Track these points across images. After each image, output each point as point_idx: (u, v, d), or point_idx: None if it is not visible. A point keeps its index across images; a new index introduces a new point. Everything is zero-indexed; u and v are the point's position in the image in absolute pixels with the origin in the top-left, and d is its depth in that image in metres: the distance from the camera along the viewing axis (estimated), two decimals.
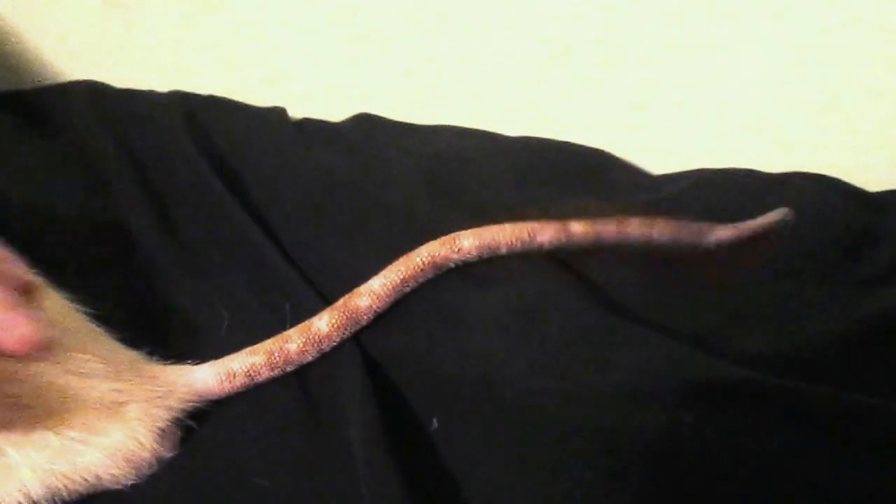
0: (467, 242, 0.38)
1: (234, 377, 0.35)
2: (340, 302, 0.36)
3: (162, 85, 0.59)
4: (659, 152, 0.53)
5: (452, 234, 0.38)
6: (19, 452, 0.31)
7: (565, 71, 0.52)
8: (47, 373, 0.32)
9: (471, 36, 0.52)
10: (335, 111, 0.56)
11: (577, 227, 0.38)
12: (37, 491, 0.31)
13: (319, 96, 0.57)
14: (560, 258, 0.39)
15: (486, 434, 0.33)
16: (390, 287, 0.37)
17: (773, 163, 0.49)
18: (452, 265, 0.38)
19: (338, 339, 0.36)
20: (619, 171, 0.50)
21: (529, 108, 0.54)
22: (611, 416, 0.32)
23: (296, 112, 0.56)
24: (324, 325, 0.36)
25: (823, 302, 0.39)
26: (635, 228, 0.38)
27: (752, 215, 0.39)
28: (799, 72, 0.48)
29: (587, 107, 0.53)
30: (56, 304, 0.35)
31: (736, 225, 0.38)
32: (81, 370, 0.32)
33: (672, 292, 0.38)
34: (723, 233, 0.38)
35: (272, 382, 0.35)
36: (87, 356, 0.33)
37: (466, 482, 0.32)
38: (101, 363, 0.33)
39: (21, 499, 0.31)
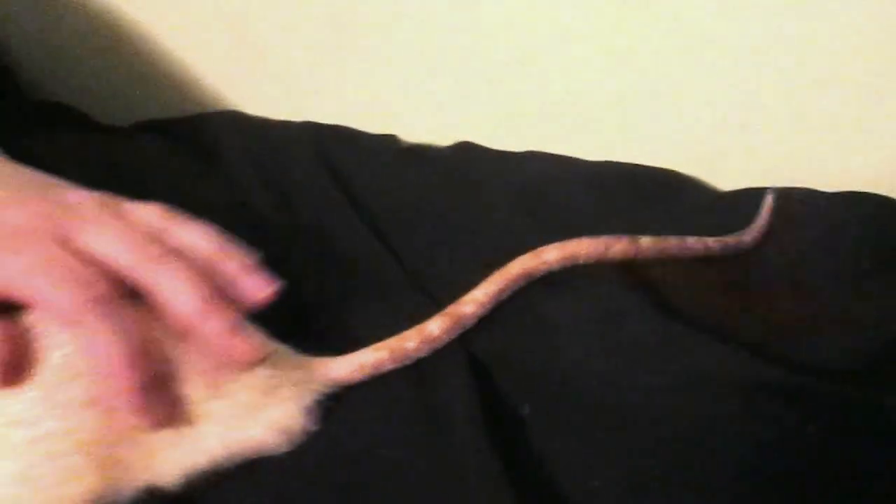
0: (552, 255, 0.45)
1: (363, 368, 0.42)
2: (449, 308, 0.44)
3: (290, 113, 0.68)
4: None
5: (540, 248, 0.45)
6: (202, 419, 0.38)
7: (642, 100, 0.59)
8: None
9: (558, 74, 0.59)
10: (439, 137, 0.63)
11: (646, 241, 0.46)
12: (216, 455, 0.39)
13: (425, 124, 0.64)
14: (631, 268, 0.46)
15: (570, 420, 0.39)
16: (490, 296, 0.44)
17: None
18: (541, 274, 0.45)
19: (446, 339, 0.43)
20: (692, 191, 0.56)
21: (609, 133, 0.61)
22: (676, 410, 0.38)
23: (405, 136, 0.64)
24: (435, 327, 0.43)
25: (870, 313, 0.44)
26: (693, 243, 0.47)
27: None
28: None
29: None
30: None
31: (749, 229, 0.48)
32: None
33: (728, 304, 0.44)
34: (747, 237, 0.48)
35: (392, 372, 0.42)
36: None
37: (553, 461, 0.38)
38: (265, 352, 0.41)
39: (202, 463, 0.39)
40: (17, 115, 0.71)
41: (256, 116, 0.67)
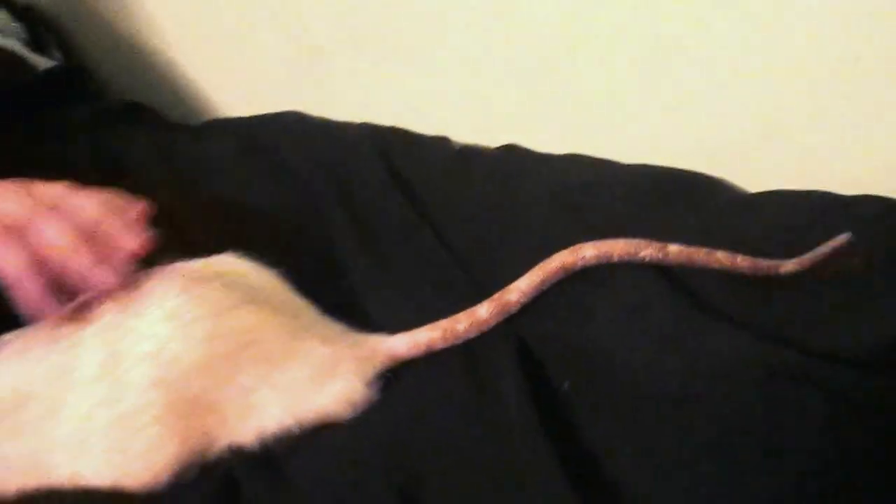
0: (588, 252, 0.50)
1: (418, 346, 0.47)
2: (496, 295, 0.49)
3: (346, 114, 0.72)
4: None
5: (578, 245, 0.50)
6: (271, 394, 0.44)
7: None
8: (289, 340, 0.45)
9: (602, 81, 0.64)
10: (488, 139, 0.68)
11: (674, 249, 0.49)
12: (285, 422, 0.44)
13: (475, 127, 0.69)
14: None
15: (604, 396, 0.44)
16: (532, 285, 0.49)
17: None
18: (578, 269, 0.50)
19: (493, 322, 0.48)
20: (720, 192, 0.59)
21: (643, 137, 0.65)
22: (698, 390, 0.43)
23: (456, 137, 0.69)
24: (483, 311, 0.48)
25: (882, 311, 0.48)
26: (721, 257, 0.48)
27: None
28: None
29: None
30: (286, 293, 0.49)
31: (800, 259, 0.48)
32: (310, 338, 0.46)
33: (751, 295, 0.48)
34: (789, 267, 0.48)
35: (445, 350, 0.47)
36: (311, 329, 0.47)
37: (588, 430, 0.43)
38: (321, 333, 0.47)
39: (273, 428, 0.44)
40: (97, 113, 0.76)
41: (317, 117, 0.72)
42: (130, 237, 0.46)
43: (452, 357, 0.47)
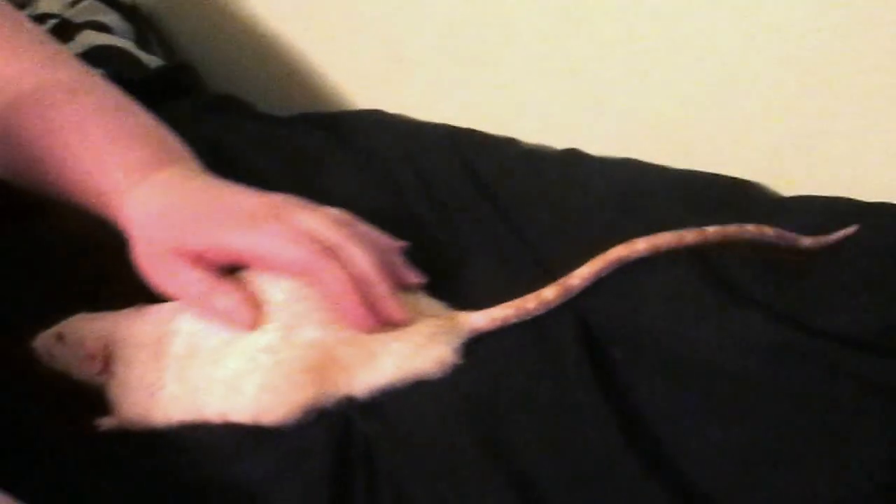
0: (641, 245, 0.57)
1: (495, 320, 0.55)
2: (561, 280, 0.56)
3: (422, 113, 0.80)
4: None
5: (632, 240, 0.58)
6: (389, 358, 0.52)
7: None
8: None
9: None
10: (551, 141, 0.75)
11: (710, 230, 0.58)
12: (392, 378, 0.52)
13: (540, 129, 0.77)
14: (700, 257, 0.58)
15: (650, 363, 0.53)
16: (592, 272, 0.56)
17: None
18: (631, 260, 0.58)
19: (558, 303, 0.55)
20: (759, 197, 0.66)
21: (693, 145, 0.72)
22: (727, 361, 0.52)
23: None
24: (550, 293, 0.55)
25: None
26: (751, 228, 0.58)
27: None
28: None
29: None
30: None
31: (817, 238, 0.58)
32: (418, 313, 0.54)
33: (773, 282, 0.57)
34: (808, 242, 0.59)
35: (517, 325, 0.55)
36: (421, 305, 0.55)
37: (638, 391, 0.51)
38: (426, 309, 0.55)
39: (384, 382, 0.53)
40: (197, 106, 0.84)
41: (398, 115, 0.80)
42: (411, 273, 0.54)
43: (523, 330, 0.55)
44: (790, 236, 0.59)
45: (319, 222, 0.52)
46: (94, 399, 0.53)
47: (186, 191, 0.55)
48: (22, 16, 0.65)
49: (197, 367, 0.52)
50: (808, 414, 0.49)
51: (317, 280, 0.50)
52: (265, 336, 0.51)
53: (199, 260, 0.52)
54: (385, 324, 0.52)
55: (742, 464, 0.48)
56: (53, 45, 0.64)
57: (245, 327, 0.51)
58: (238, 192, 0.55)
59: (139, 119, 0.61)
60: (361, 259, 0.51)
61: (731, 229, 0.58)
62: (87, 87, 0.61)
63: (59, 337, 0.53)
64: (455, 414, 0.51)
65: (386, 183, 0.70)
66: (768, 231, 0.58)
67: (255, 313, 0.51)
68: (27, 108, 0.59)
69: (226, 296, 0.51)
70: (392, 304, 0.51)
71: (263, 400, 0.51)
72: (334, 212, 0.54)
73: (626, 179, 0.67)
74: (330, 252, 0.50)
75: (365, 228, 0.54)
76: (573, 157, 0.72)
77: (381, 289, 0.51)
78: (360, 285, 0.50)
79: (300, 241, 0.51)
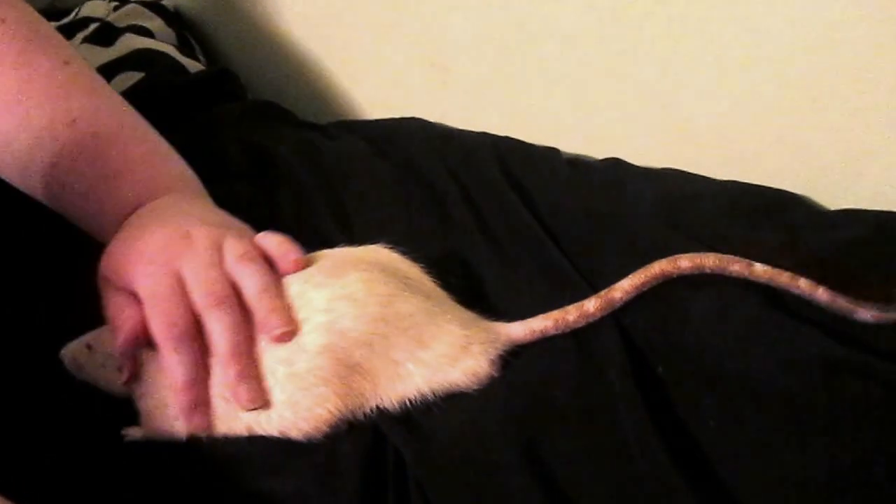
0: (684, 263, 0.55)
1: (533, 332, 0.54)
2: (602, 292, 0.54)
3: (465, 126, 0.80)
4: None
5: (675, 256, 0.55)
6: (415, 367, 0.52)
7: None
8: (434, 323, 0.53)
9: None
10: (593, 151, 0.75)
11: (758, 269, 0.54)
12: (424, 391, 0.52)
13: (582, 138, 0.76)
14: None
15: (694, 380, 0.51)
16: (634, 286, 0.55)
17: None
18: (674, 276, 0.56)
19: (599, 315, 0.54)
20: (802, 209, 0.64)
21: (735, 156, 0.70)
22: (774, 378, 0.50)
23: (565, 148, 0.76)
24: (591, 305, 0.54)
25: None
26: (803, 285, 0.53)
27: None
28: None
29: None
30: (429, 282, 0.56)
31: (877, 313, 0.51)
32: (448, 322, 0.53)
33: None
34: (865, 315, 0.52)
35: (556, 337, 0.54)
36: (449, 315, 0.54)
37: (682, 407, 0.50)
38: (457, 318, 0.54)
39: (415, 395, 0.52)
40: (240, 112, 0.85)
41: (438, 124, 0.80)
42: (275, 326, 0.51)
43: (563, 342, 0.54)
44: (845, 305, 0.52)
45: (197, 282, 0.51)
46: (122, 410, 0.53)
47: (140, 226, 0.57)
48: (55, 35, 0.65)
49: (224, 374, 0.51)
50: (870, 438, 0.47)
51: (162, 359, 0.51)
52: (282, 347, 0.51)
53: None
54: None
55: (804, 494, 0.46)
56: (71, 69, 0.63)
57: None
58: (156, 231, 0.55)
59: (139, 148, 0.63)
60: (217, 336, 0.50)
61: (783, 277, 0.54)
62: (91, 117, 0.62)
63: (88, 347, 0.53)
64: (491, 429, 0.50)
65: (426, 192, 0.70)
66: (822, 294, 0.53)
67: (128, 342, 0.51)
68: (30, 139, 0.60)
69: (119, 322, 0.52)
70: (238, 388, 0.50)
71: (287, 415, 0.51)
72: (232, 253, 0.53)
73: (670, 190, 0.66)
74: (184, 338, 0.50)
75: (252, 272, 0.53)
76: (616, 167, 0.71)
77: (231, 372, 0.50)
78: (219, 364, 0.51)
79: (163, 316, 0.50)
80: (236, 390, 0.50)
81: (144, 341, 0.51)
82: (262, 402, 0.50)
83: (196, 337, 0.50)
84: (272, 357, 0.51)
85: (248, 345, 0.51)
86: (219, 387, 0.51)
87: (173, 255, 0.52)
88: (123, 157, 0.61)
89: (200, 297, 0.51)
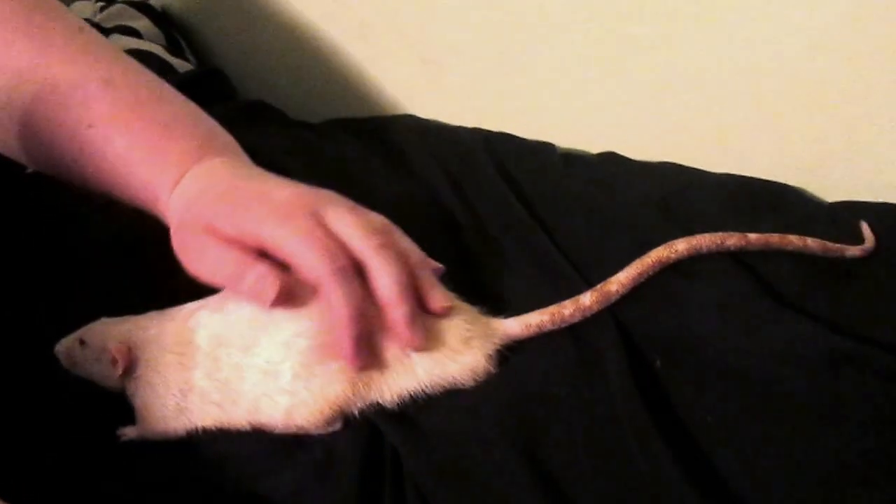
0: (681, 246, 0.55)
1: (530, 327, 0.53)
2: (599, 286, 0.54)
3: (458, 121, 0.80)
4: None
5: (671, 241, 0.56)
6: (419, 357, 0.51)
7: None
8: (439, 319, 0.52)
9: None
10: (587, 145, 0.75)
11: (753, 236, 0.56)
12: (424, 385, 0.51)
13: (576, 133, 0.76)
14: (745, 264, 0.56)
15: (692, 373, 0.50)
16: (631, 277, 0.54)
17: None
18: (671, 262, 0.55)
19: (596, 309, 0.53)
20: (800, 201, 0.64)
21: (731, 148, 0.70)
22: (775, 370, 0.49)
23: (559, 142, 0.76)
24: (587, 299, 0.53)
25: None
26: (794, 239, 0.56)
27: None
28: None
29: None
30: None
31: (863, 247, 0.56)
32: (451, 318, 0.52)
33: (819, 289, 0.55)
34: (854, 251, 0.57)
35: (554, 332, 0.53)
36: (455, 308, 0.53)
37: (680, 402, 0.49)
38: (461, 313, 0.53)
39: (415, 388, 0.51)
40: (230, 111, 0.81)
41: (431, 120, 0.80)
42: (439, 295, 0.51)
43: (560, 337, 0.53)
44: (835, 247, 0.56)
45: (354, 227, 0.50)
46: (122, 410, 0.52)
47: (227, 178, 0.54)
48: (60, 6, 0.64)
49: (225, 357, 0.50)
50: (872, 432, 0.46)
51: (323, 298, 0.49)
52: (305, 320, 0.50)
53: (232, 242, 0.50)
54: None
55: (803, 488, 0.45)
56: (88, 35, 0.61)
57: (266, 305, 0.49)
58: (280, 184, 0.54)
59: (183, 109, 0.60)
60: (386, 277, 0.49)
61: (774, 238, 0.56)
62: (125, 77, 0.59)
63: (81, 342, 0.52)
64: (489, 425, 0.50)
65: (420, 188, 0.69)
66: (812, 243, 0.56)
67: (278, 292, 0.49)
68: (59, 100, 0.57)
69: (256, 274, 0.49)
70: (408, 330, 0.49)
71: (296, 389, 0.50)
72: (374, 217, 0.53)
73: (665, 183, 0.66)
74: (348, 271, 0.48)
75: (401, 240, 0.52)
76: (611, 161, 0.70)
77: (400, 312, 0.49)
78: (382, 306, 0.49)
79: (324, 249, 0.48)
80: (408, 329, 0.49)
81: None
82: (424, 343, 0.50)
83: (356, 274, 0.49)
84: (289, 329, 0.50)
85: (412, 288, 0.50)
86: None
87: (309, 202, 0.51)
88: (171, 111, 0.59)
89: (360, 240, 0.50)
